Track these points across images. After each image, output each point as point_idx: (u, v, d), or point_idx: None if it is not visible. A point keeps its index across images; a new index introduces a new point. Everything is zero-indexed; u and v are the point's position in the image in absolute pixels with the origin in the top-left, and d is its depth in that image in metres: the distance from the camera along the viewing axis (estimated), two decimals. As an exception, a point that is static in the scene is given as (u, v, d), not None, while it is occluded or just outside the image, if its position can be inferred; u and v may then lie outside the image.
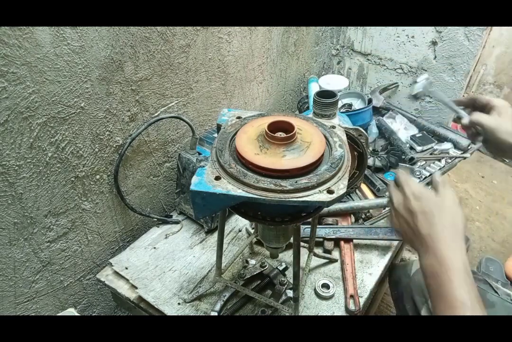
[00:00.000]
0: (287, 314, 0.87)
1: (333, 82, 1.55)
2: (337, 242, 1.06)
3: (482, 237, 1.91)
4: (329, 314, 0.91)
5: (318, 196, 0.59)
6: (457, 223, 0.63)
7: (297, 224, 0.71)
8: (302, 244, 1.01)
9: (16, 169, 0.76)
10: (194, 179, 0.61)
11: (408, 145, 1.41)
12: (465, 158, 1.37)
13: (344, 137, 0.71)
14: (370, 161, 1.28)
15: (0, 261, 0.83)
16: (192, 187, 0.59)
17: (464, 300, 0.55)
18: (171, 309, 0.91)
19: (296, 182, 0.59)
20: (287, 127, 0.65)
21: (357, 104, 1.50)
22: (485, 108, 0.81)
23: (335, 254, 1.04)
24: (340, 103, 1.38)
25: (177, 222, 1.13)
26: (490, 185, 2.18)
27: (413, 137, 1.42)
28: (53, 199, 0.87)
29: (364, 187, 1.24)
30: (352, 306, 0.91)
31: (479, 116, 0.79)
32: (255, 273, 0.95)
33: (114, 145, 0.94)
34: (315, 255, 1.01)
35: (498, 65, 1.98)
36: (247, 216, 0.69)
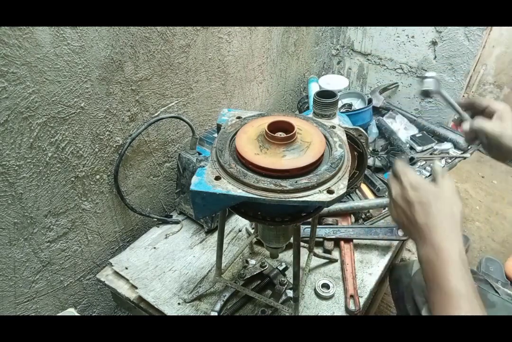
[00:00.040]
0: (287, 314, 0.87)
1: (333, 82, 1.55)
2: (337, 242, 1.06)
3: (482, 237, 1.91)
4: (329, 314, 0.91)
5: (318, 196, 0.59)
6: (455, 212, 0.62)
7: (297, 224, 0.71)
8: (302, 244, 1.01)
9: (16, 170, 0.76)
10: (194, 179, 0.61)
11: (408, 145, 1.41)
12: (465, 158, 1.37)
13: (344, 137, 0.71)
14: (370, 161, 1.28)
15: (0, 261, 0.83)
16: (192, 187, 0.59)
17: (459, 289, 0.55)
18: (171, 309, 0.91)
19: (296, 182, 0.59)
20: (287, 127, 0.65)
21: (357, 104, 1.50)
22: (485, 111, 0.79)
23: (335, 254, 1.04)
24: (340, 103, 1.38)
25: (177, 222, 1.13)
26: (490, 185, 2.18)
27: (413, 137, 1.42)
28: (53, 199, 0.87)
29: (364, 187, 1.24)
30: (352, 306, 0.91)
31: (482, 123, 0.76)
32: (255, 273, 0.95)
33: (114, 145, 0.94)
34: (315, 255, 1.01)
35: (498, 65, 1.98)
36: (247, 216, 0.69)
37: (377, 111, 1.55)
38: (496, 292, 0.95)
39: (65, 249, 0.95)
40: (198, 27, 0.99)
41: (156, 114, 1.01)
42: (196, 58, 1.04)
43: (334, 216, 1.12)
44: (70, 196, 0.90)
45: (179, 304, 0.92)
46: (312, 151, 0.63)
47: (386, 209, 1.16)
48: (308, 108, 1.48)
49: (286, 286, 0.92)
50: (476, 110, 0.81)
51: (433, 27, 1.39)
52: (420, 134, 1.44)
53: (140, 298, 0.93)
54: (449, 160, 1.35)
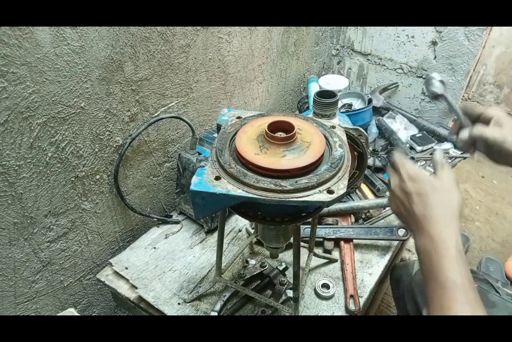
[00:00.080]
0: (287, 314, 0.87)
1: (333, 82, 1.55)
2: (337, 242, 1.06)
3: (482, 237, 1.91)
4: (329, 314, 0.91)
5: (318, 196, 0.59)
6: (452, 204, 0.62)
7: (297, 224, 0.71)
8: (302, 244, 1.01)
9: (16, 170, 0.76)
10: (194, 179, 0.61)
11: (408, 145, 1.41)
12: (465, 158, 1.37)
13: (344, 137, 0.71)
14: (370, 161, 1.28)
15: (0, 261, 0.83)
16: (192, 187, 0.59)
17: (455, 280, 0.55)
18: (171, 309, 0.91)
19: (296, 182, 0.59)
20: (287, 127, 0.65)
21: (357, 104, 1.50)
22: (480, 118, 0.76)
23: (335, 254, 1.04)
24: (340, 103, 1.38)
25: (177, 222, 1.13)
26: (490, 185, 2.18)
27: (413, 137, 1.42)
28: (53, 199, 0.87)
29: (364, 187, 1.24)
30: (352, 306, 0.91)
31: (481, 130, 0.73)
32: (255, 273, 0.95)
33: (114, 145, 0.94)
34: (315, 255, 1.01)
35: (498, 65, 1.98)
36: (247, 216, 0.69)
37: (377, 111, 1.55)
38: (497, 292, 0.95)
39: (65, 249, 0.95)
40: (198, 27, 0.99)
41: (156, 114, 1.01)
42: (196, 58, 1.04)
43: (334, 216, 1.12)
44: (70, 196, 0.90)
45: (179, 304, 0.92)
46: (312, 151, 0.63)
47: (386, 209, 1.16)
48: (308, 108, 1.48)
49: (286, 286, 0.92)
50: (470, 117, 0.79)
51: (433, 27, 1.39)
52: (420, 134, 1.44)
53: (140, 298, 0.93)
54: (449, 160, 1.35)
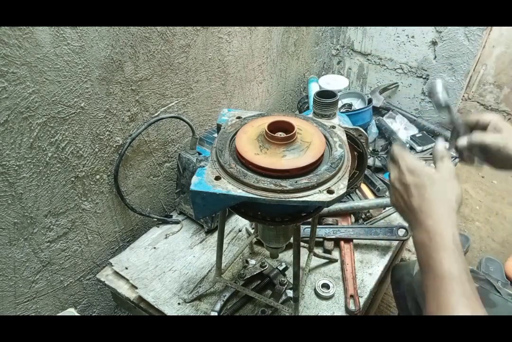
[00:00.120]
0: (287, 314, 0.87)
1: (333, 82, 1.55)
2: (337, 242, 1.06)
3: (482, 237, 1.91)
4: (329, 314, 0.91)
5: (318, 196, 0.59)
6: (451, 197, 0.61)
7: (297, 224, 0.71)
8: (302, 244, 1.01)
9: (16, 170, 0.76)
10: (194, 179, 0.61)
11: (408, 145, 1.41)
12: (465, 158, 1.37)
13: (344, 137, 0.71)
14: (370, 161, 1.28)
15: (0, 261, 0.83)
16: (192, 187, 0.59)
17: (452, 272, 0.55)
18: (171, 309, 0.91)
19: (296, 182, 0.59)
20: (287, 127, 0.65)
21: (357, 104, 1.50)
22: (477, 126, 0.75)
23: (335, 254, 1.04)
24: (340, 103, 1.38)
25: (177, 222, 1.13)
26: (490, 185, 2.18)
27: (413, 137, 1.42)
28: (53, 199, 0.87)
29: (364, 187, 1.24)
30: (352, 306, 0.91)
31: (481, 137, 0.72)
32: (255, 273, 0.95)
33: (114, 145, 0.94)
34: (315, 255, 1.01)
35: (498, 65, 1.98)
36: (247, 216, 0.69)
37: (377, 111, 1.55)
38: (498, 292, 0.95)
39: (65, 249, 0.95)
40: (198, 27, 0.99)
41: (156, 114, 1.01)
42: (196, 58, 1.04)
43: (334, 216, 1.12)
44: (70, 196, 0.90)
45: (179, 304, 0.92)
46: (312, 151, 0.63)
47: (386, 209, 1.16)
48: (308, 108, 1.48)
49: (286, 286, 0.92)
50: (467, 125, 0.77)
51: (433, 27, 1.39)
52: (420, 134, 1.44)
53: (140, 298, 0.93)
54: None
